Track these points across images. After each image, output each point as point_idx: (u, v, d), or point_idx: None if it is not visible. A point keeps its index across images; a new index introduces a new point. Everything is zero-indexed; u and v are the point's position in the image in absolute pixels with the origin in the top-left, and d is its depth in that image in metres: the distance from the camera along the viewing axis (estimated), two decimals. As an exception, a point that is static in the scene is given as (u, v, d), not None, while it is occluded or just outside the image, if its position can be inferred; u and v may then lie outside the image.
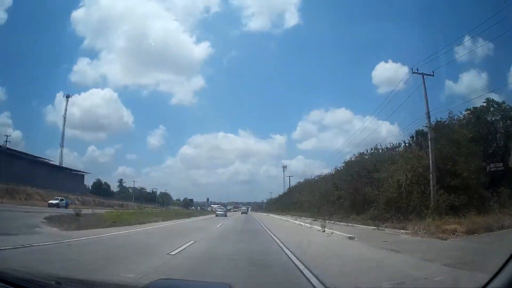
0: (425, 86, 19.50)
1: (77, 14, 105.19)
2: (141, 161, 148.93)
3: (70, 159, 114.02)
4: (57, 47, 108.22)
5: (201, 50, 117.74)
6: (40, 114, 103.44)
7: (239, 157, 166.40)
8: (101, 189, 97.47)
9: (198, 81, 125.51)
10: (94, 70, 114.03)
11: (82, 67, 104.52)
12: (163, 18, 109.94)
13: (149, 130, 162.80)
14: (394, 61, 78.76)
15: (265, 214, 65.62)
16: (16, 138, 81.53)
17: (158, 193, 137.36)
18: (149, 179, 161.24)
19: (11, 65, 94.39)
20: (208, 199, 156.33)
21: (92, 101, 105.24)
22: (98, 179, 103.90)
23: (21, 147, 67.58)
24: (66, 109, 77.33)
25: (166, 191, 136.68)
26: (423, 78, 19.86)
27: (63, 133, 79.07)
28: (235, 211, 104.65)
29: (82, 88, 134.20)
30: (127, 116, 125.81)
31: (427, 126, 19.42)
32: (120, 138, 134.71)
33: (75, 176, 79.34)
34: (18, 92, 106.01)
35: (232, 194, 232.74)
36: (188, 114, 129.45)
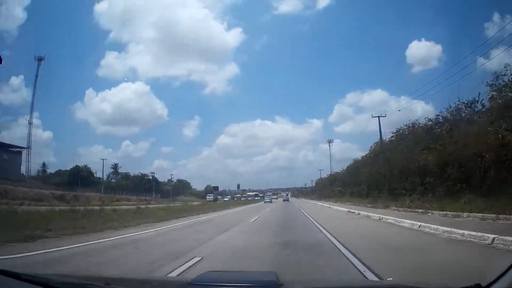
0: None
1: (100, 7, 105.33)
2: (177, 153, 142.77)
3: (104, 155, 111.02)
4: (82, 43, 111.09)
5: (233, 37, 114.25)
6: (69, 112, 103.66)
7: (276, 144, 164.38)
8: (78, 176, 75.57)
9: (232, 69, 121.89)
10: (123, 63, 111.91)
11: (110, 61, 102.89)
12: (192, 6, 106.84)
13: (184, 121, 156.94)
14: (427, 39, 79.22)
15: (338, 208, 31.18)
16: (47, 139, 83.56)
17: (174, 181, 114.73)
18: (186, 171, 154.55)
19: (35, 66, 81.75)
20: (238, 186, 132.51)
21: (123, 95, 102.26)
22: (76, 166, 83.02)
23: (52, 148, 62.23)
24: (37, 75, 61.82)
25: (171, 178, 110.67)
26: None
27: (32, 107, 62.71)
28: (275, 198, 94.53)
29: (112, 83, 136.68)
30: (161, 108, 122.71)
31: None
32: (154, 131, 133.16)
33: (9, 154, 49.80)
34: (45, 93, 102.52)
35: (271, 181, 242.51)
36: (223, 103, 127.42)
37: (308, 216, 17.61)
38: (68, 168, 79.30)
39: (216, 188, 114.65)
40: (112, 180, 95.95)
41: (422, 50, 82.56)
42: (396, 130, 28.53)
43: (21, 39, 79.35)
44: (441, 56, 73.65)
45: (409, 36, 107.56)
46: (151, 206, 37.20)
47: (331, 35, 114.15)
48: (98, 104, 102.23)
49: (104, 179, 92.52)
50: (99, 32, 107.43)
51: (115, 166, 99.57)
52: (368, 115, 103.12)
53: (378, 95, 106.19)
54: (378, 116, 30.29)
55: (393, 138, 28.83)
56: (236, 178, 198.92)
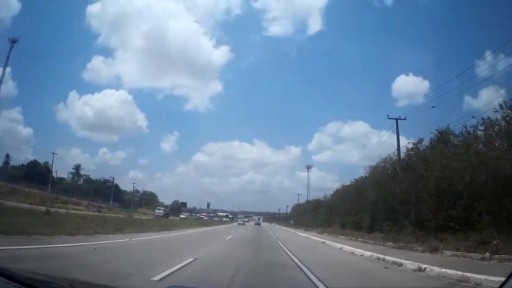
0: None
1: (93, 8, 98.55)
2: (153, 166, 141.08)
3: (81, 160, 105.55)
4: (71, 43, 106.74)
5: (220, 54, 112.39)
6: (51, 112, 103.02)
7: (253, 167, 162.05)
8: (34, 172, 67.71)
9: (215, 87, 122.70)
10: (109, 69, 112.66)
11: (97, 66, 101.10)
12: (183, 18, 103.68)
13: (162, 135, 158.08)
14: (415, 74, 75.02)
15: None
16: (27, 136, 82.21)
17: (141, 191, 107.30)
18: (161, 184, 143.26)
19: (22, 60, 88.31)
20: (208, 205, 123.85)
21: (106, 102, 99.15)
22: (34, 160, 74.34)
23: (32, 145, 66.68)
24: (8, 57, 53.50)
25: (134, 187, 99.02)
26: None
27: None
28: (247, 221, 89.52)
29: (96, 88, 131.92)
30: (141, 119, 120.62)
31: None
32: (132, 141, 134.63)
33: None
34: (30, 88, 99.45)
35: (244, 204, 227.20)
36: (204, 120, 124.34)
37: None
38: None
39: (184, 204, 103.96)
40: (79, 182, 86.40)
41: (409, 85, 79.96)
42: (419, 140, 20.64)
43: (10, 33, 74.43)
44: (428, 92, 72.54)
45: (397, 69, 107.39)
46: (73, 211, 27.69)
47: (318, 62, 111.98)
48: (80, 108, 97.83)
49: (68, 179, 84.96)
50: (89, 34, 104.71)
51: (77, 167, 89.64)
52: (347, 146, 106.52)
53: (359, 126, 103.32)
54: (396, 119, 22.52)
55: (412, 152, 21.17)
56: (210, 197, 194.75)
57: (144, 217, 37.75)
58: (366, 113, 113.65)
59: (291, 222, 75.02)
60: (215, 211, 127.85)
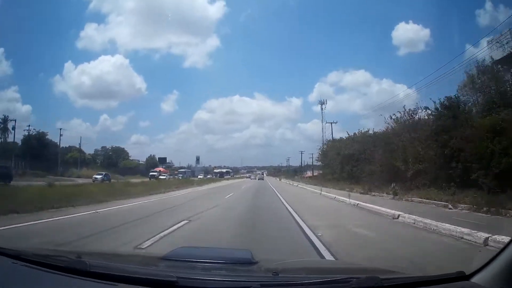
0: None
1: None
2: (154, 128, 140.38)
3: (82, 130, 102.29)
4: (62, 13, 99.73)
5: (215, 9, 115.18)
6: (48, 85, 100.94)
7: (254, 121, 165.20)
8: None
9: (213, 42, 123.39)
10: (103, 35, 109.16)
11: (90, 33, 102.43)
12: None
13: (162, 95, 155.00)
14: (415, 22, 76.36)
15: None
16: (26, 113, 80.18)
17: (108, 148, 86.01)
18: (163, 145, 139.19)
19: (13, 37, 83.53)
20: (198, 159, 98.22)
21: (102, 69, 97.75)
22: None
23: (30, 121, 58.93)
24: None
25: (104, 147, 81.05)
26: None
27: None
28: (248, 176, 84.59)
29: (91, 56, 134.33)
30: (139, 82, 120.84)
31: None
32: (132, 105, 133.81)
33: None
34: (24, 65, 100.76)
35: (246, 159, 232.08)
36: (203, 78, 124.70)
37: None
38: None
39: (163, 160, 78.43)
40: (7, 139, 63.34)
41: (409, 33, 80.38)
42: None
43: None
44: (429, 40, 72.25)
45: (396, 17, 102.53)
46: None
47: (317, 11, 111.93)
48: (77, 78, 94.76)
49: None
50: (80, 2, 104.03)
51: (4, 119, 62.98)
52: (349, 95, 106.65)
53: (360, 75, 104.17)
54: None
55: None
56: (213, 154, 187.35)
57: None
58: (367, 61, 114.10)
59: (306, 175, 48.95)
60: (216, 167, 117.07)
